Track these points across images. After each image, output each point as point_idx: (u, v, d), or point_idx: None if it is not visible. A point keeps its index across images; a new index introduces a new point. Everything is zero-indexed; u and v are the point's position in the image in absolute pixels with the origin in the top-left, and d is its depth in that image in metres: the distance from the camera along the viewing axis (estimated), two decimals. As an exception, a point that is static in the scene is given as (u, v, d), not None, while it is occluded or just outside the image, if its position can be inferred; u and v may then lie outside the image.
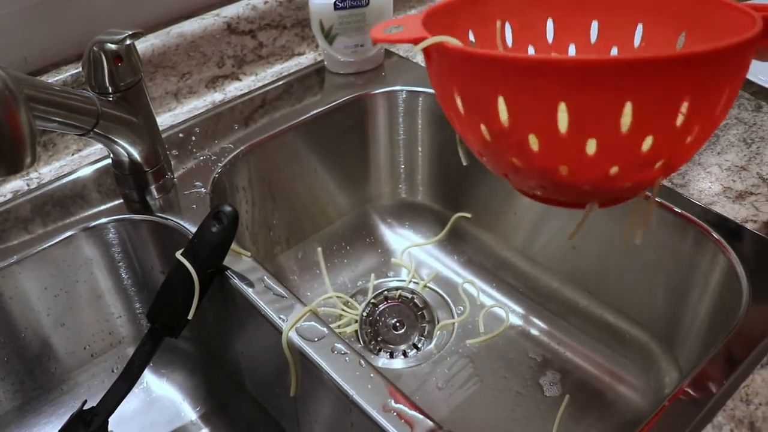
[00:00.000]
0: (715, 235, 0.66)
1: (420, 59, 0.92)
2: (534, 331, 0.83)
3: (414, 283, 0.89)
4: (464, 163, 0.84)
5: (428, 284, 0.88)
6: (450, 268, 0.90)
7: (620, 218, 0.73)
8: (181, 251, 0.61)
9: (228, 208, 0.60)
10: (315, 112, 0.83)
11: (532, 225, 0.83)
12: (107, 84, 0.63)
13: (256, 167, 0.80)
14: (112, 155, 0.69)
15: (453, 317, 0.85)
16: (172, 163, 0.75)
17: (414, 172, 0.92)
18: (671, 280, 0.72)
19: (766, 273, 0.62)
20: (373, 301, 0.86)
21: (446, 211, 0.91)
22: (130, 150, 0.67)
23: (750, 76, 0.84)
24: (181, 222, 0.68)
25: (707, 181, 0.72)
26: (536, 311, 0.84)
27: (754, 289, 0.61)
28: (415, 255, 0.92)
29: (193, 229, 0.64)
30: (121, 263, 0.72)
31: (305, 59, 0.94)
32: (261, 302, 0.60)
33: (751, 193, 0.71)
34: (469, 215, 0.89)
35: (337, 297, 0.85)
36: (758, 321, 0.58)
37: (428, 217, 0.94)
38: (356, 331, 0.83)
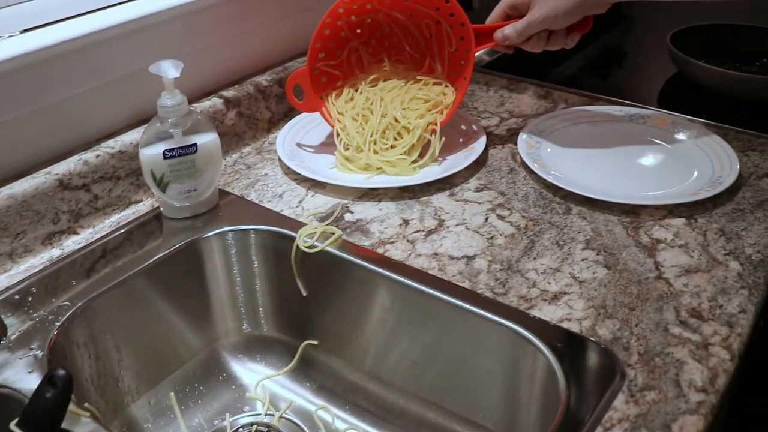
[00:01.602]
0: (533, 338, 0.71)
1: (254, 197, 0.95)
2: (388, 449, 0.85)
3: (269, 415, 0.89)
4: (303, 294, 0.88)
5: (283, 415, 0.89)
6: (303, 396, 0.92)
7: (455, 335, 0.78)
8: (15, 421, 0.60)
9: (61, 372, 0.60)
10: (153, 259, 0.84)
11: (377, 347, 0.86)
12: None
13: (97, 321, 0.79)
14: (-61, 328, 0.67)
15: (310, 445, 0.86)
16: (8, 327, 0.74)
17: (255, 307, 0.94)
18: (505, 384, 0.77)
19: (580, 368, 0.68)
20: (229, 439, 0.86)
21: (294, 341, 0.93)
22: (-41, 321, 0.66)
23: (559, 183, 0.92)
24: (17, 389, 0.67)
25: (525, 287, 0.78)
26: (389, 429, 0.87)
27: (571, 384, 0.66)
28: (268, 387, 0.93)
29: (30, 395, 0.63)
30: (-48, 440, 0.69)
31: (143, 206, 0.95)
32: (102, 463, 0.59)
33: (565, 293, 0.77)
34: (316, 342, 0.91)
35: (193, 440, 0.85)
36: (575, 416, 0.63)
37: (277, 348, 0.95)
38: (214, 473, 0.83)
